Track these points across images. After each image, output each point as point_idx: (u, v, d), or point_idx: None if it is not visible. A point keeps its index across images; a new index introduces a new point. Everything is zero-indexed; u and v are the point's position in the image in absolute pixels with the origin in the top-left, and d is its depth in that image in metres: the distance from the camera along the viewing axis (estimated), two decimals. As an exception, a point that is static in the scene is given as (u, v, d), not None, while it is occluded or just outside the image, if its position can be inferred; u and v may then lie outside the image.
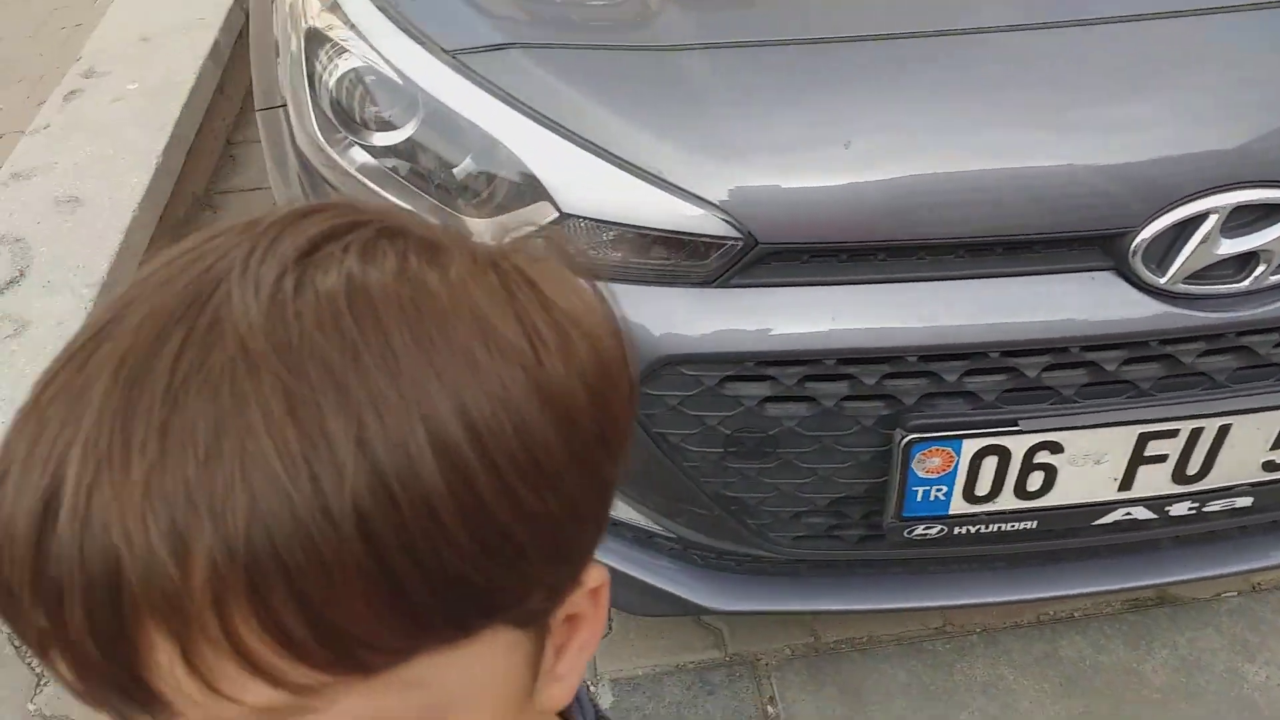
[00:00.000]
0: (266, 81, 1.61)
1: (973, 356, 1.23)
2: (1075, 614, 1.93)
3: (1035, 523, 1.39)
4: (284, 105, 1.48)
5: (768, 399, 1.26)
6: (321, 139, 1.37)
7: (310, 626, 0.32)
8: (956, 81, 1.17)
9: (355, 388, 0.32)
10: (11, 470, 0.33)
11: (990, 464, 1.30)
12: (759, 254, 1.18)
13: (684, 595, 1.57)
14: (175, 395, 0.32)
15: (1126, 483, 1.35)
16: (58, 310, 2.18)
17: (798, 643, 1.89)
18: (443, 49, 1.24)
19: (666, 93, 1.18)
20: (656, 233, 1.17)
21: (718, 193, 1.15)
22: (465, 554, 0.34)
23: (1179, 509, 1.40)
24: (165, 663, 0.32)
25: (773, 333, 1.20)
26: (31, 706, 1.82)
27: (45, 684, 1.85)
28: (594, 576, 0.42)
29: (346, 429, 0.32)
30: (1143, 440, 1.30)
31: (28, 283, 2.25)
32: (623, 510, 1.55)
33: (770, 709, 1.79)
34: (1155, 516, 1.40)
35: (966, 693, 1.82)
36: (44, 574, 0.32)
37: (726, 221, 1.16)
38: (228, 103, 3.30)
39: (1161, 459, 1.32)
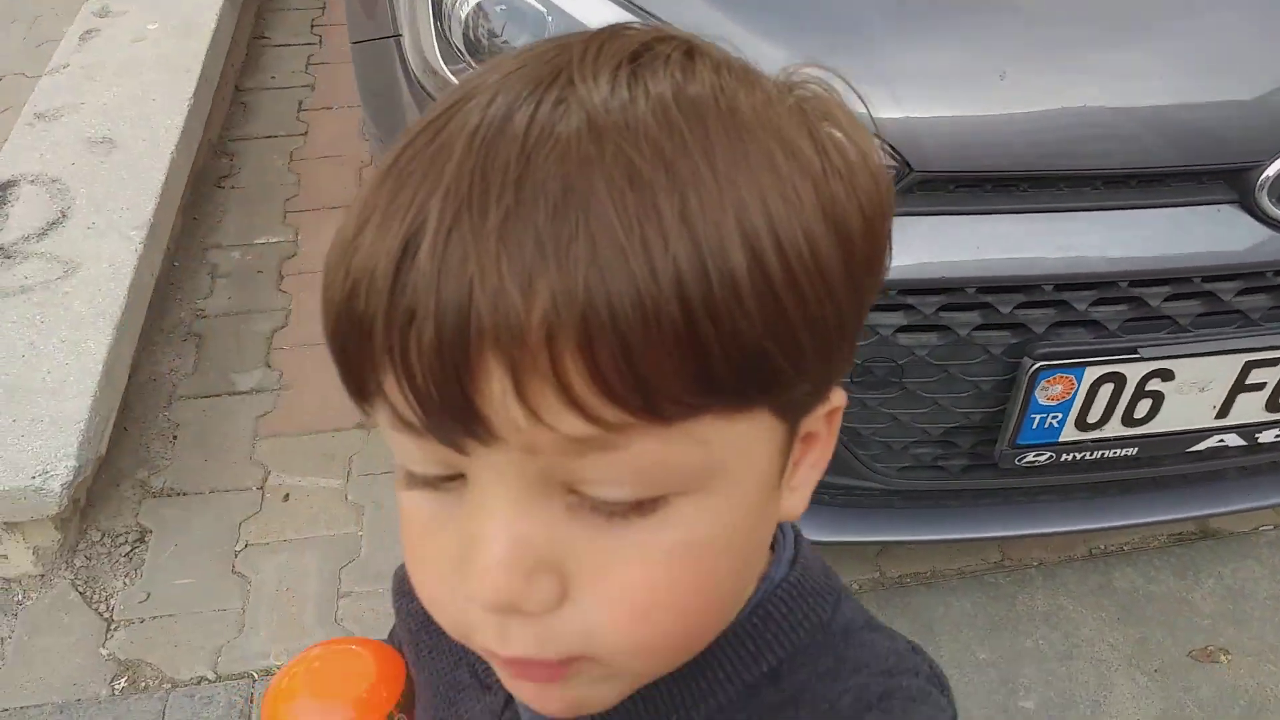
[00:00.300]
0: (366, 15, 1.60)
1: (1102, 286, 1.28)
2: (1124, 547, 2.02)
3: (1135, 449, 1.46)
4: (396, 36, 1.47)
5: (902, 328, 1.30)
6: (446, 70, 1.37)
7: (626, 372, 0.36)
8: (1104, 20, 1.21)
9: (682, 171, 0.36)
10: (373, 218, 0.38)
11: (1106, 391, 1.35)
12: (911, 182, 1.21)
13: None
14: (528, 155, 0.36)
15: (1224, 410, 1.42)
16: (107, 252, 2.14)
17: (864, 577, 1.95)
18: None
19: (821, 19, 1.20)
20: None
21: (876, 120, 1.17)
22: (757, 331, 0.37)
23: (1267, 436, 1.47)
24: (498, 391, 0.36)
25: (918, 262, 1.24)
26: (104, 651, 1.81)
27: (115, 629, 1.84)
28: (835, 397, 0.45)
29: (672, 204, 0.36)
30: (1247, 368, 1.36)
31: (71, 224, 2.20)
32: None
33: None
34: (1244, 443, 1.47)
35: (1029, 622, 1.89)
36: (399, 304, 0.36)
37: (883, 149, 1.18)
38: (236, 48, 3.24)
39: (1259, 387, 1.39)
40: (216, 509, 2.04)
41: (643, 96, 0.38)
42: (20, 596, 1.89)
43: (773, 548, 0.52)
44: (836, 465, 1.49)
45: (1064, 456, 1.44)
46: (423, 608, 0.47)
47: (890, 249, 0.45)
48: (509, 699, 0.54)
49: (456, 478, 0.40)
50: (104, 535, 1.99)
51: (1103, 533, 2.00)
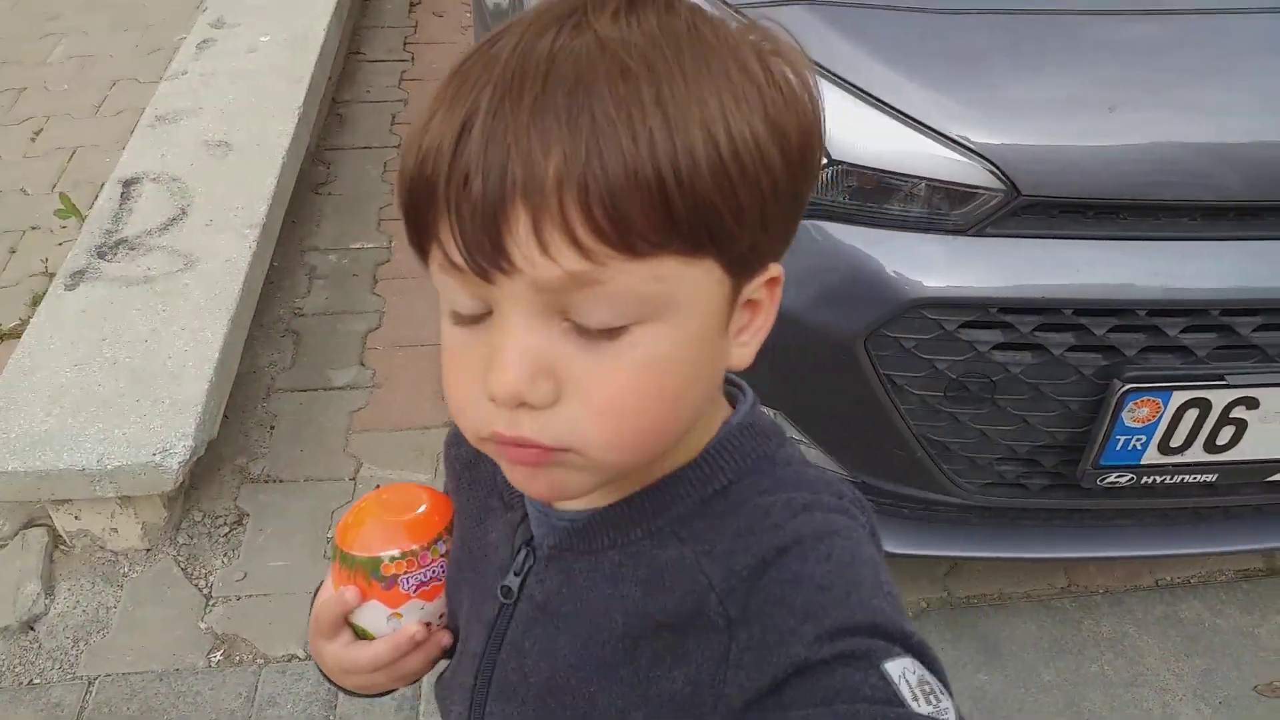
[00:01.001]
0: None
1: (1193, 313, 1.34)
2: (1191, 580, 2.05)
3: (1215, 476, 1.50)
4: None
5: (998, 345, 1.36)
6: None
7: (611, 214, 0.49)
8: (1208, 59, 1.28)
9: (660, 73, 0.50)
10: (439, 109, 0.52)
11: (1190, 416, 1.40)
12: (1017, 206, 1.28)
13: (862, 537, 1.66)
14: (553, 59, 0.50)
15: (1306, 440, 1.45)
16: (223, 249, 2.26)
17: (931, 596, 1.99)
18: (724, 3, 1.33)
19: (943, 51, 1.28)
20: (923, 181, 1.27)
21: (988, 144, 1.25)
22: (707, 187, 0.50)
23: (1347, 469, 1.50)
24: (522, 232, 0.49)
25: (1019, 282, 1.31)
26: (202, 625, 1.90)
27: (213, 605, 1.94)
28: (773, 269, 0.57)
29: (651, 94, 0.49)
30: (1330, 400, 1.40)
31: (190, 221, 2.33)
32: (805, 453, 1.65)
33: (910, 655, 1.89)
34: (1324, 476, 1.51)
35: (1094, 647, 1.93)
36: (456, 167, 0.50)
37: (992, 172, 1.26)
38: (334, 62, 3.38)
39: (1341, 419, 1.43)
40: (311, 497, 2.14)
41: (636, 25, 0.52)
42: (126, 569, 1.99)
43: (736, 406, 0.66)
44: (919, 479, 1.56)
45: (1144, 479, 1.49)
46: (467, 453, 0.70)
47: (819, 163, 0.57)
48: (525, 515, 0.67)
49: (485, 317, 0.54)
50: (205, 516, 2.09)
51: (1171, 563, 2.03)
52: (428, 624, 0.72)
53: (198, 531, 2.06)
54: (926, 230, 1.32)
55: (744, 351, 0.58)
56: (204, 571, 1.99)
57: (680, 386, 0.55)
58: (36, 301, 2.57)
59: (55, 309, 2.12)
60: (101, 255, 2.23)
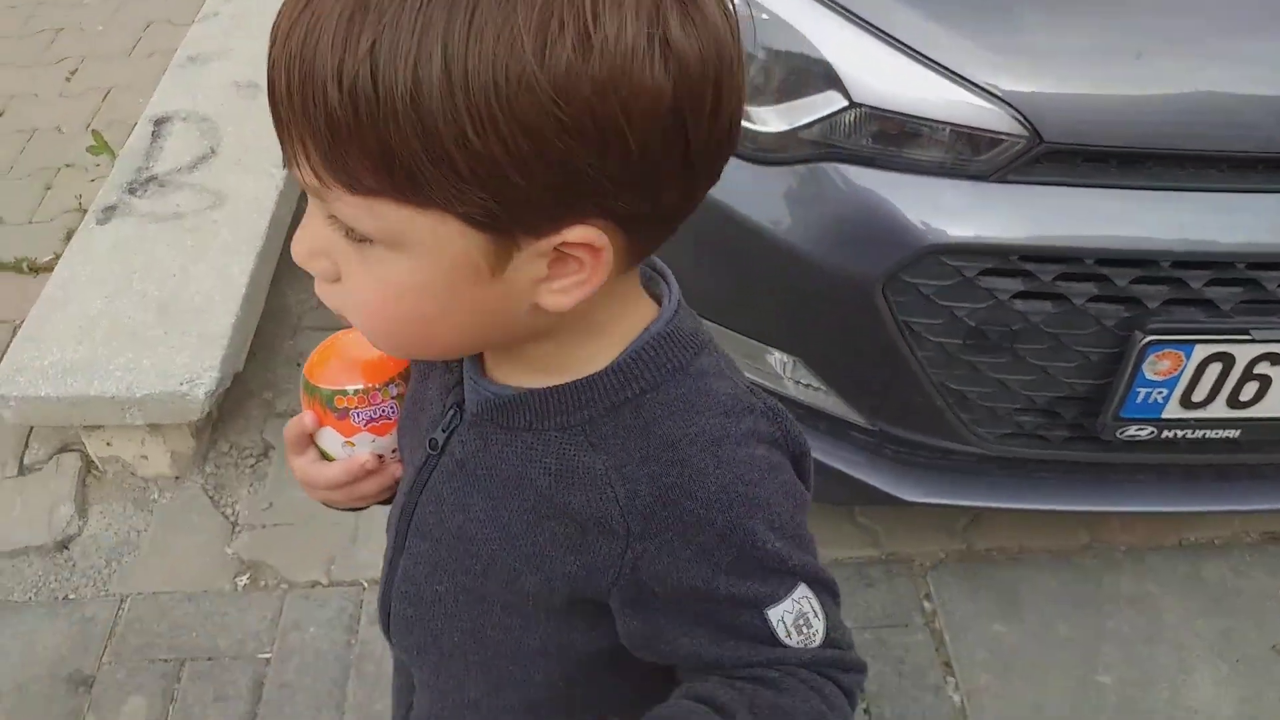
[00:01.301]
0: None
1: (1218, 266, 1.31)
2: (1215, 541, 2.03)
3: (1238, 432, 1.48)
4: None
5: (1018, 294, 1.35)
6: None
7: (317, 142, 0.52)
8: (1238, 8, 1.24)
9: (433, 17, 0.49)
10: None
11: (1213, 371, 1.39)
12: (1040, 153, 1.26)
13: (876, 484, 1.67)
14: None
15: (1332, 398, 1.43)
16: (251, 187, 2.28)
17: (951, 548, 1.99)
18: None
19: (969, -6, 1.25)
20: (945, 126, 1.26)
21: (1012, 90, 1.23)
22: (404, 130, 0.49)
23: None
24: (282, 134, 0.54)
25: (1040, 230, 1.29)
26: (229, 550, 1.95)
27: (239, 532, 1.98)
28: (579, 235, 0.55)
29: (414, 14, 0.48)
30: (1359, 359, 1.38)
31: (220, 160, 2.35)
32: (822, 399, 1.65)
33: (927, 604, 1.90)
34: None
35: (1113, 604, 1.92)
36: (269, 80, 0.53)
37: (1016, 118, 1.24)
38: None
39: (1370, 379, 1.41)
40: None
41: None
42: (156, 495, 2.04)
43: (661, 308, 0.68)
44: (937, 427, 1.56)
45: (1165, 434, 1.48)
46: None
47: (634, 142, 0.52)
48: (460, 379, 0.71)
49: None
50: (232, 447, 2.13)
51: (1196, 524, 2.02)
52: (380, 456, 0.80)
53: (225, 462, 2.10)
54: (948, 176, 1.30)
55: (559, 299, 0.58)
56: (230, 500, 2.03)
57: (427, 311, 0.59)
58: (70, 237, 2.61)
59: (87, 243, 2.15)
60: (132, 191, 2.26)
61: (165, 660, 1.77)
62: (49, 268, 2.49)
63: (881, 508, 2.02)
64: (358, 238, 0.56)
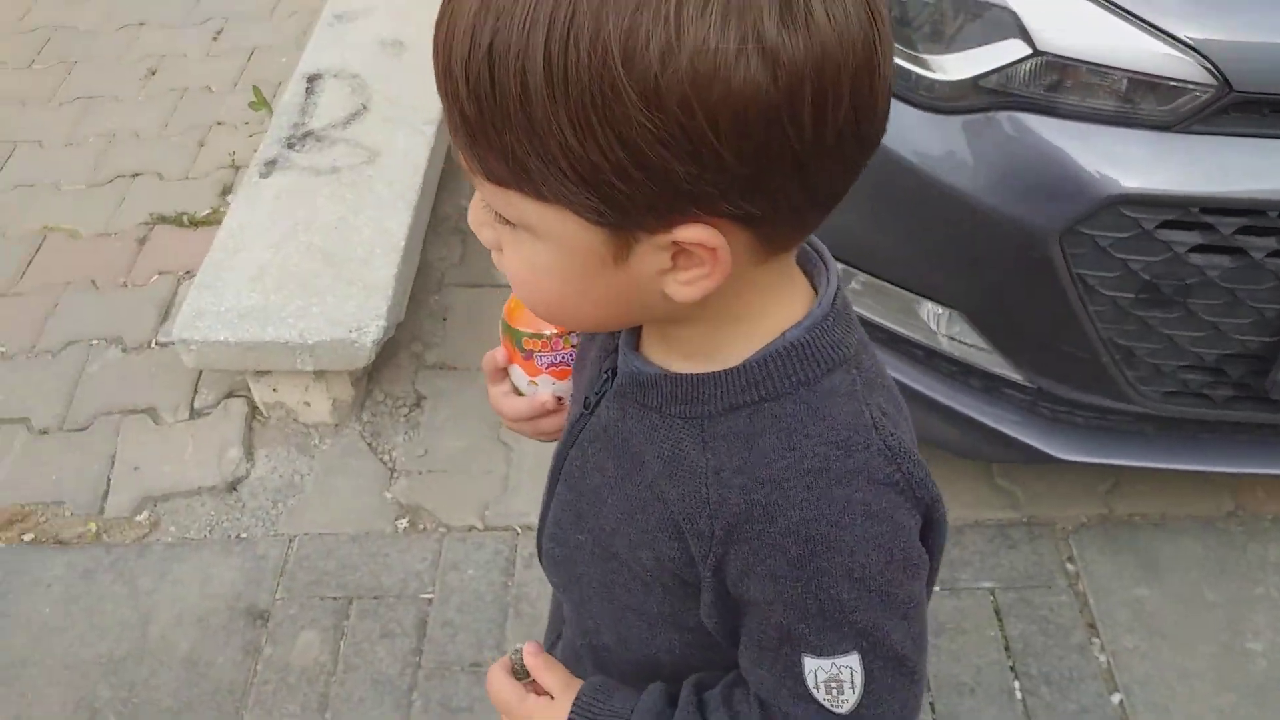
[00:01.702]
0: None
1: None
2: (1368, 509, 1.99)
3: None
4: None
5: (1196, 248, 1.34)
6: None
7: (465, 142, 0.55)
8: None
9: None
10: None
11: (1397, 332, 1.36)
12: (1227, 103, 1.25)
13: (1031, 442, 1.67)
14: None
15: None
16: (402, 143, 2.35)
17: (1092, 512, 1.99)
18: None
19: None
20: (1130, 74, 1.25)
21: (1202, 38, 1.22)
22: (521, 137, 0.52)
23: None
24: (450, 134, 0.57)
25: (1223, 182, 1.28)
26: (388, 495, 2.04)
27: (397, 478, 2.07)
28: (692, 235, 0.55)
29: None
30: None
31: (371, 116, 2.43)
32: (977, 355, 1.66)
33: (1069, 566, 1.90)
34: None
35: (1260, 570, 1.90)
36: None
37: (1205, 67, 1.23)
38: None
39: None
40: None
41: None
42: (317, 441, 2.14)
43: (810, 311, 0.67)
44: (1100, 385, 1.55)
45: (1339, 394, 1.46)
46: None
47: (740, 150, 0.52)
48: (617, 346, 0.72)
49: None
50: (387, 397, 2.22)
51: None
52: (559, 397, 0.86)
53: (380, 411, 2.19)
54: (1130, 125, 1.30)
55: (685, 290, 0.59)
56: (387, 447, 2.12)
57: (566, 291, 0.61)
58: (226, 191, 2.73)
59: (251, 195, 2.25)
60: (291, 146, 2.35)
61: (334, 598, 1.87)
62: (208, 221, 2.62)
63: (1022, 471, 2.02)
64: (507, 221, 0.59)
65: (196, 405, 2.20)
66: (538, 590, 1.86)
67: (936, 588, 1.84)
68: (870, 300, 1.75)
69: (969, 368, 1.68)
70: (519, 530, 1.97)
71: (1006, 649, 1.78)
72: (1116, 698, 1.71)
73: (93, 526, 2.01)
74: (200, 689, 1.76)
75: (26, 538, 2.01)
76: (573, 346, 0.84)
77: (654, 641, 0.79)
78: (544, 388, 0.86)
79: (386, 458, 2.11)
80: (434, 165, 2.37)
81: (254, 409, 2.17)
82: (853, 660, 0.65)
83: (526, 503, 2.01)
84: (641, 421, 0.69)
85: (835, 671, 0.65)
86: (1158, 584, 1.87)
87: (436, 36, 0.54)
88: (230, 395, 2.20)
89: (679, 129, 0.50)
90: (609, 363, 0.73)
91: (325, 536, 1.96)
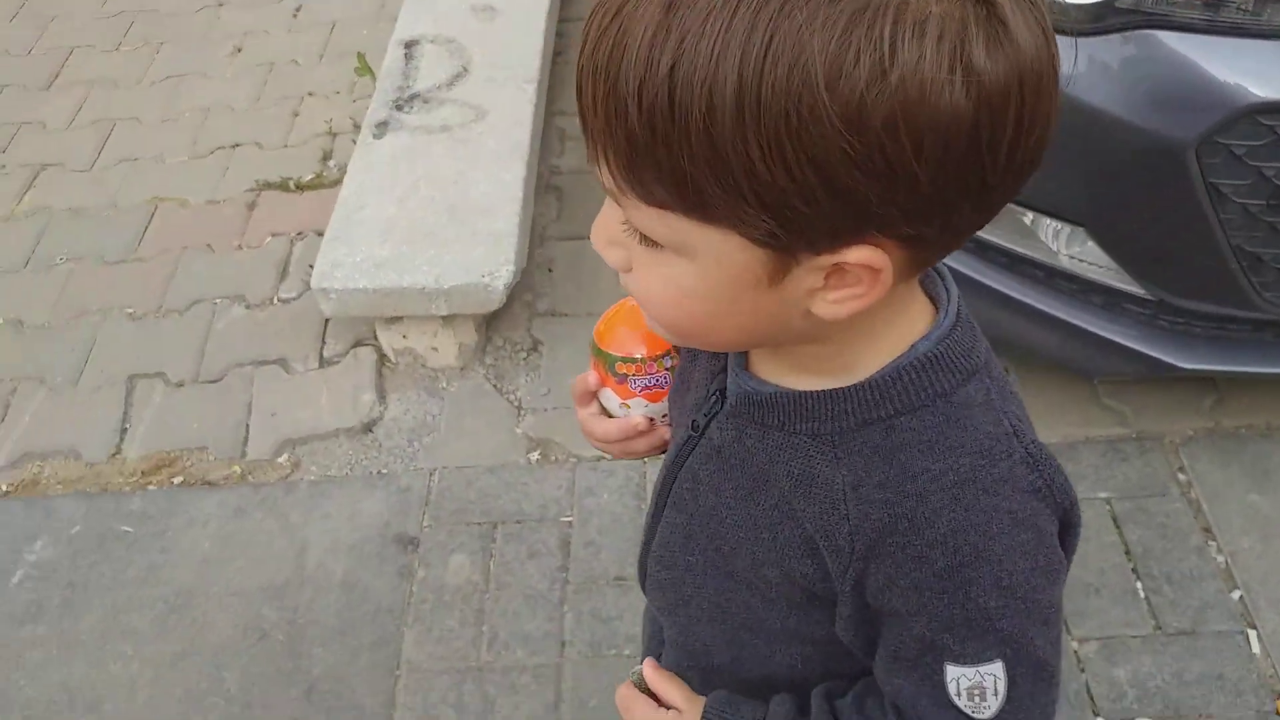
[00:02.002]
0: None
1: None
2: None
3: None
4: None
5: (1330, 150, 1.41)
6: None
7: (617, 151, 0.53)
8: None
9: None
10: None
11: None
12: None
13: (1154, 354, 1.75)
14: None
15: None
16: (506, 101, 2.44)
17: (1199, 426, 2.06)
18: None
19: None
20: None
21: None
22: (699, 159, 0.51)
23: None
24: (588, 133, 0.56)
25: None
26: (518, 430, 2.13)
27: (524, 415, 2.16)
28: (860, 256, 0.55)
29: (718, 20, 0.49)
30: None
31: (472, 78, 2.52)
32: (1098, 272, 1.73)
33: (1181, 476, 1.98)
34: None
35: (1370, 477, 1.97)
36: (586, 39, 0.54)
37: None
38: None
39: None
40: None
41: None
42: (445, 384, 2.24)
43: (936, 322, 0.66)
44: (1221, 293, 1.63)
45: None
46: None
47: (929, 173, 0.51)
48: (725, 366, 0.73)
49: None
50: (506, 342, 2.31)
51: None
52: (651, 419, 0.86)
53: (501, 355, 2.29)
54: (1264, 37, 1.37)
55: (834, 309, 0.58)
56: (511, 388, 2.22)
57: (709, 311, 0.60)
58: (327, 157, 2.83)
59: (368, 155, 2.34)
60: (399, 108, 2.44)
61: (479, 524, 1.97)
62: (313, 185, 2.72)
63: (1127, 390, 2.10)
64: (649, 242, 0.58)
65: (325, 355, 2.30)
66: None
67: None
68: (990, 224, 1.83)
69: (1089, 285, 1.76)
70: (644, 461, 2.06)
71: (1127, 553, 1.86)
72: (1237, 594, 1.79)
73: (237, 469, 2.12)
74: (361, 610, 1.86)
75: (176, 481, 2.12)
76: (668, 370, 0.84)
77: (773, 659, 0.79)
78: (636, 410, 0.86)
79: (512, 397, 2.20)
80: (538, 120, 2.46)
81: (382, 357, 2.27)
82: (996, 668, 0.64)
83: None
84: (763, 441, 0.69)
85: (979, 679, 0.65)
86: (1270, 490, 1.95)
87: (595, 53, 0.52)
88: (358, 345, 2.30)
89: (879, 152, 0.49)
90: (717, 384, 0.73)
91: (463, 469, 2.06)
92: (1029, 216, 1.77)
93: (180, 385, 2.29)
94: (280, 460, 2.12)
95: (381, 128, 2.38)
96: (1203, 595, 1.80)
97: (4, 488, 2.15)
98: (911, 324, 0.65)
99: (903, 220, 0.53)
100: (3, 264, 2.64)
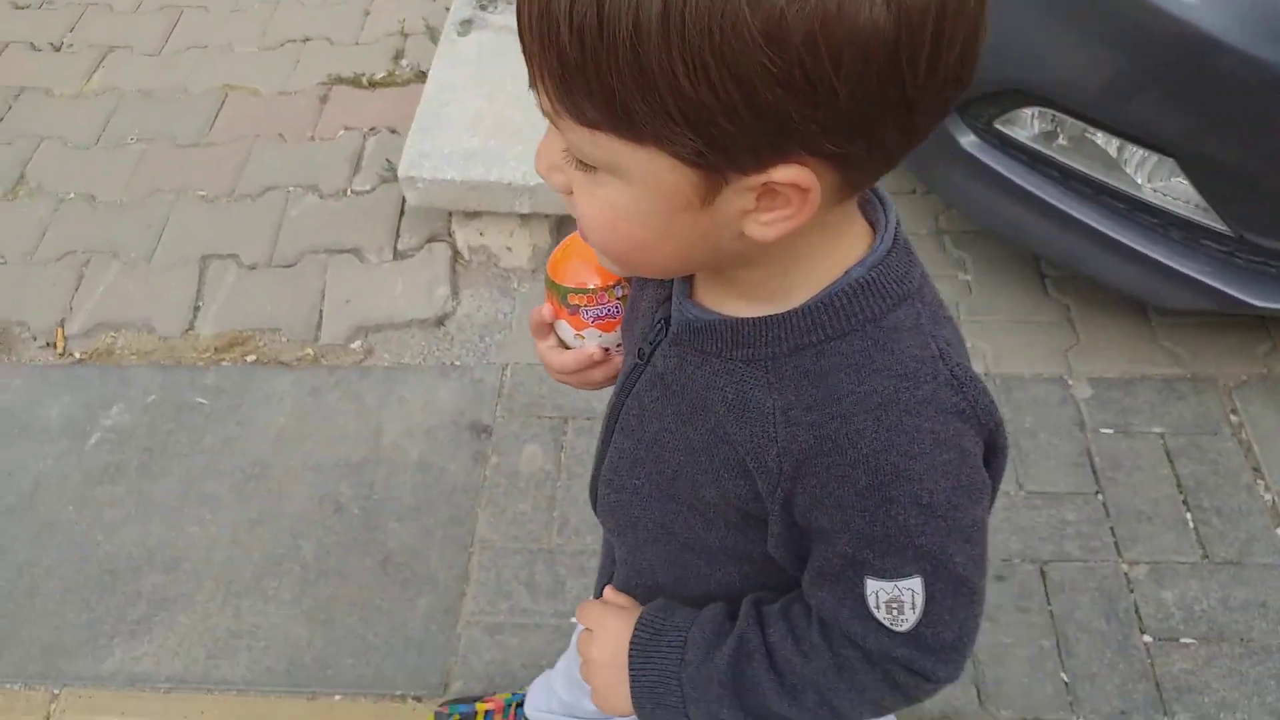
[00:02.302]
0: None
1: None
2: None
3: None
4: None
5: None
6: None
7: (551, 73, 0.54)
8: None
9: None
10: None
11: None
12: None
13: (1230, 290, 1.79)
14: None
15: None
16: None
17: (1252, 371, 2.11)
18: None
19: None
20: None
21: None
22: (626, 77, 0.51)
23: None
24: (533, 76, 0.57)
25: None
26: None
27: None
28: (787, 175, 0.55)
29: None
30: None
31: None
32: (1181, 206, 1.77)
33: (1234, 418, 2.03)
34: None
35: None
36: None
37: None
38: None
39: None
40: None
41: None
42: (516, 284, 2.28)
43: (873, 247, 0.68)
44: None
45: None
46: None
47: (840, 85, 0.51)
48: (670, 295, 0.74)
49: None
50: (575, 247, 2.35)
51: None
52: (606, 349, 0.88)
53: (570, 259, 2.32)
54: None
55: (765, 230, 0.59)
56: (581, 292, 2.26)
57: (645, 234, 0.61)
58: (399, 56, 2.84)
59: (452, 51, 2.35)
60: (483, 7, 2.46)
61: (551, 417, 2.02)
62: (386, 83, 2.74)
63: (1183, 332, 2.15)
64: (586, 166, 0.59)
65: (399, 248, 2.33)
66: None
67: (1110, 430, 1.98)
68: (1076, 154, 1.87)
69: (1170, 219, 1.80)
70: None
71: (1179, 485, 1.92)
72: (1282, 530, 1.86)
73: (310, 351, 2.16)
74: (436, 489, 1.91)
75: (250, 359, 2.16)
76: (619, 299, 0.85)
77: (713, 577, 0.82)
78: (590, 340, 0.87)
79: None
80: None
81: (456, 253, 2.30)
82: (914, 583, 0.66)
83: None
84: (702, 368, 0.70)
85: (896, 593, 0.67)
86: (1322, 430, 2.00)
87: None
88: (432, 240, 2.34)
89: (799, 68, 0.49)
90: (662, 312, 0.74)
91: (535, 366, 2.11)
92: (1115, 146, 1.81)
93: (253, 268, 2.33)
94: (354, 346, 2.17)
95: (466, 25, 2.40)
96: (1250, 529, 1.86)
97: (78, 354, 2.19)
98: (848, 250, 0.66)
99: (825, 138, 0.53)
100: (74, 139, 2.66)
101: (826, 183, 0.56)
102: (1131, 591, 1.76)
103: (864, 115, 0.52)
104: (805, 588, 0.73)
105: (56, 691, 1.68)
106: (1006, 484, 1.90)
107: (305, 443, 2.00)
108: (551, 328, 0.89)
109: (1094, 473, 1.92)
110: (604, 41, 0.50)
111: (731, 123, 0.51)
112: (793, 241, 0.61)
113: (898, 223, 0.68)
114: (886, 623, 0.68)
